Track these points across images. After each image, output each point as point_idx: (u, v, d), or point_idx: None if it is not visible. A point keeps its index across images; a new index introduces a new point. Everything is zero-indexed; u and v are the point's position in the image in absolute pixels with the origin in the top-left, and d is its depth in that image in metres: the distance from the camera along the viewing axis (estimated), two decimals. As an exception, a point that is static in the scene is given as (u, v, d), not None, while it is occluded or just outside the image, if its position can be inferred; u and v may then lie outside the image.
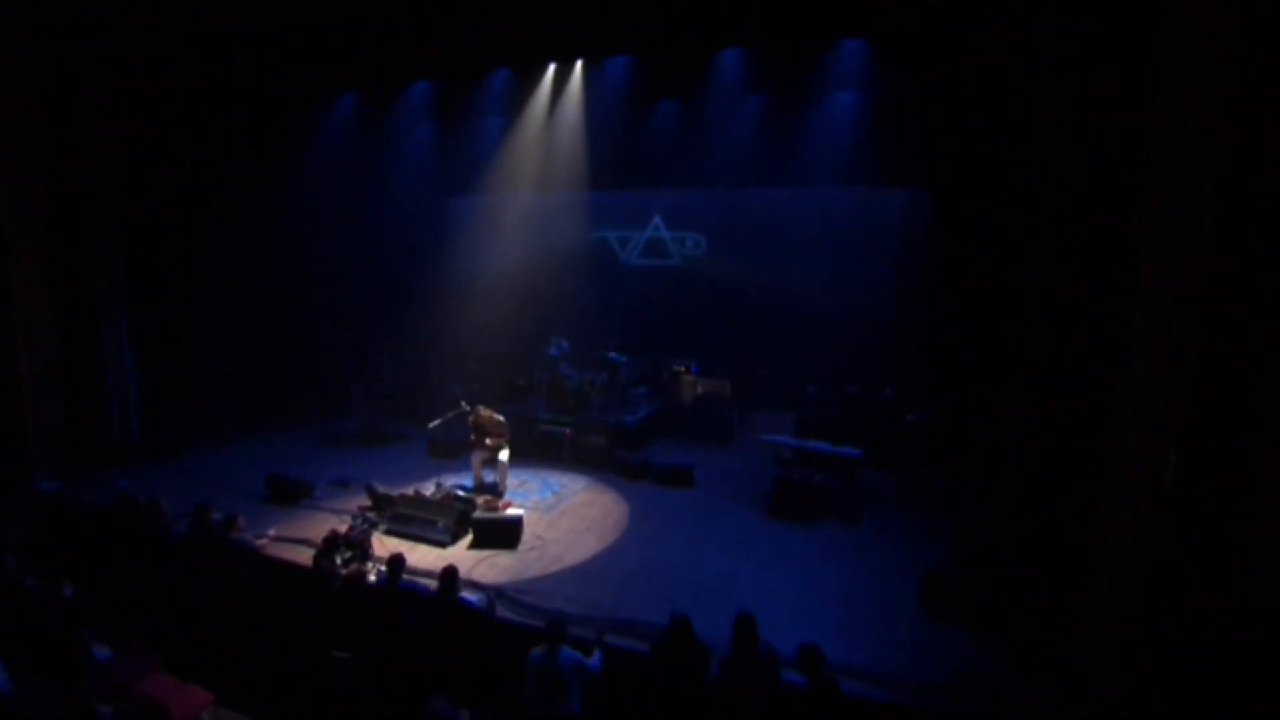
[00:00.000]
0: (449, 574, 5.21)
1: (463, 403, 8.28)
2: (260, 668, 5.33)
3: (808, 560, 6.30)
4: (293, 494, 7.52)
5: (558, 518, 7.33)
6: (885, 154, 9.48)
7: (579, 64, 9.57)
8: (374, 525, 6.61)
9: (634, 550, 6.49)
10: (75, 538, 6.66)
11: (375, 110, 10.27)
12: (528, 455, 9.14)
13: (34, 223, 8.08)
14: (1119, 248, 4.62)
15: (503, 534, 6.58)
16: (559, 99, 9.99)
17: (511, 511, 7.11)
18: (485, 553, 6.40)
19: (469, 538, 6.65)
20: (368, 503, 7.19)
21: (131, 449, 8.69)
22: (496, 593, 5.62)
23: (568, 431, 9.35)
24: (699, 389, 10.78)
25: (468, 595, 5.54)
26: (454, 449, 8.75)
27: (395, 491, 7.28)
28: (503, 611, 5.42)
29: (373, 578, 5.62)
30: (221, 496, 7.53)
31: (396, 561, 5.35)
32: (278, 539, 6.46)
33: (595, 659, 4.56)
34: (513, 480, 8.26)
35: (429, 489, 7.46)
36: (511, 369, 11.42)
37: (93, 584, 5.98)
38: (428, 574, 5.86)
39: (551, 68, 9.64)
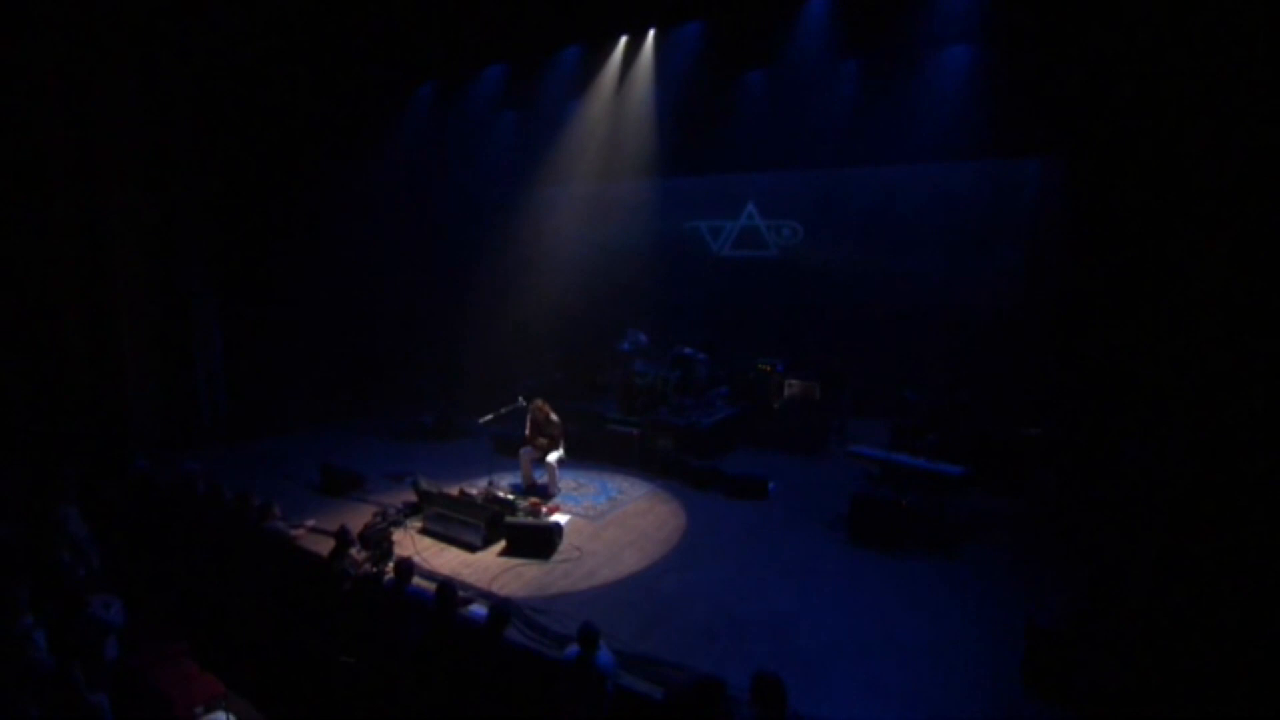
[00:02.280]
0: (446, 589, 4.71)
1: (520, 398, 7.87)
2: (273, 661, 5.16)
3: (885, 600, 5.21)
4: (344, 485, 7.45)
5: (605, 526, 6.69)
6: (1010, 118, 7.99)
7: (650, 37, 8.87)
8: (395, 524, 6.31)
9: (678, 572, 5.70)
10: (148, 516, 6.95)
11: (452, 100, 10.19)
12: (595, 456, 8.62)
13: (136, 225, 8.72)
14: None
15: (537, 542, 6.04)
16: (637, 80, 9.36)
17: (552, 518, 6.59)
18: (514, 561, 5.90)
19: (503, 543, 6.18)
20: (414, 498, 6.94)
21: (216, 433, 9.14)
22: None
23: (635, 433, 8.70)
24: (787, 391, 9.73)
25: (477, 608, 5.06)
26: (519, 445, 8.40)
27: (446, 488, 6.99)
28: (510, 631, 4.85)
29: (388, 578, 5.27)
30: (281, 483, 7.64)
31: (404, 566, 4.95)
32: (314, 530, 6.33)
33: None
34: (570, 482, 7.75)
35: (481, 486, 7.12)
36: (592, 365, 10.96)
37: (146, 562, 6.15)
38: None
39: (622, 43, 9.02)
